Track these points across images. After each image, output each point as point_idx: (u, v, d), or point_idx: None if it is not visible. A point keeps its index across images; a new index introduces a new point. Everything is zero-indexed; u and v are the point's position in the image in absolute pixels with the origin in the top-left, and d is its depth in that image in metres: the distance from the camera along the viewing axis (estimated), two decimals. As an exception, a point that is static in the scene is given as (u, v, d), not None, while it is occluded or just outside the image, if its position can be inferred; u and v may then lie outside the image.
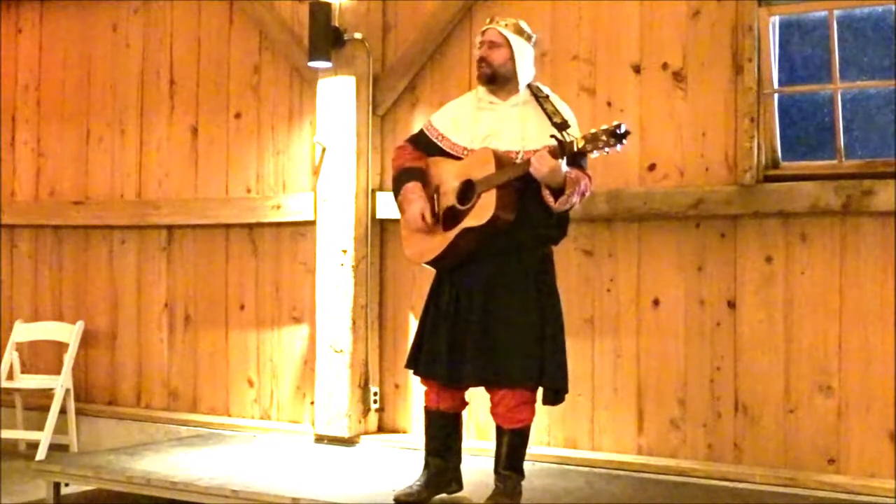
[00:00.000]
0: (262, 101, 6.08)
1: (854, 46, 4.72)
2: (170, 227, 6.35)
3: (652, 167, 5.02)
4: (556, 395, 4.08)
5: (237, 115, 6.16)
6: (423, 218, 4.07)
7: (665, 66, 5.00)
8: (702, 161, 4.91)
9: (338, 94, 5.62)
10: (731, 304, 4.84)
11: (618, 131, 3.76)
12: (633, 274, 5.05)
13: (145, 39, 6.48)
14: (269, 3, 5.97)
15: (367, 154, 5.59)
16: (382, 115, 5.68)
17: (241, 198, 6.10)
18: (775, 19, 4.81)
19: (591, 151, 3.83)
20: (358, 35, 5.56)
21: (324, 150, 5.64)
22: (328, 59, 5.53)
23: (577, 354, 5.15)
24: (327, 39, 5.51)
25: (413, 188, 4.13)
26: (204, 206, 6.19)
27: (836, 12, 4.70)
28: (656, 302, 5.00)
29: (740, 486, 4.59)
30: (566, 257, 5.18)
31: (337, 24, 5.55)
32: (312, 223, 5.73)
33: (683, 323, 4.94)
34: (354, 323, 5.54)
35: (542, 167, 3.84)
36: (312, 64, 5.59)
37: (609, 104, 5.12)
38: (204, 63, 6.29)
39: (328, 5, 5.53)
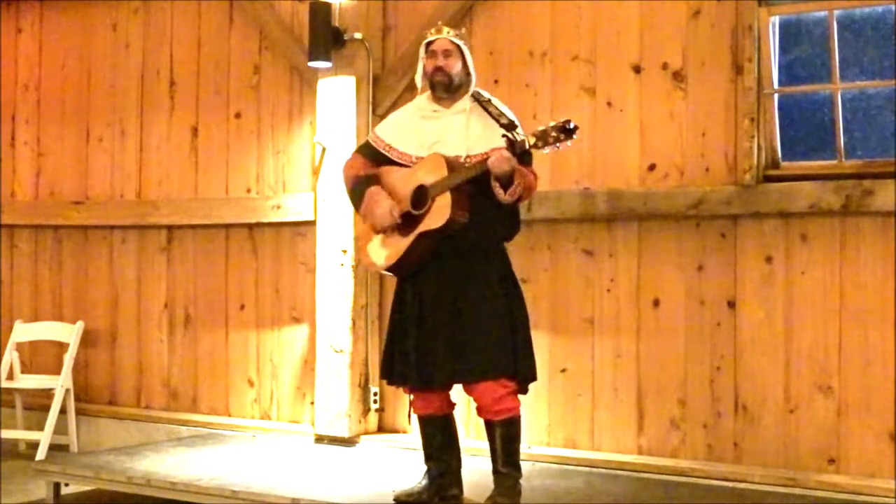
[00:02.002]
0: (262, 101, 6.08)
1: (854, 46, 4.72)
2: (170, 227, 6.36)
3: (652, 167, 5.02)
4: (526, 384, 4.15)
5: (237, 115, 6.16)
6: (392, 214, 4.11)
7: (665, 66, 5.00)
8: (702, 161, 4.91)
9: (338, 94, 5.62)
10: (731, 304, 4.84)
11: (567, 126, 3.84)
12: (633, 274, 5.05)
13: (145, 39, 6.48)
14: (269, 3, 5.97)
15: (367, 154, 5.59)
16: (382, 115, 5.67)
17: (241, 198, 6.10)
18: (775, 19, 4.81)
19: (542, 148, 3.89)
20: (358, 35, 5.56)
21: (324, 150, 5.65)
22: (328, 59, 5.54)
23: (577, 354, 5.15)
24: (327, 39, 5.51)
25: (376, 191, 4.18)
26: (204, 206, 6.19)
27: (836, 12, 4.70)
28: (656, 302, 5.00)
29: (740, 486, 4.59)
30: (566, 257, 5.19)
31: (337, 24, 5.55)
32: (312, 223, 5.74)
33: (683, 323, 4.94)
34: (354, 323, 5.54)
35: (503, 165, 3.90)
36: (312, 64, 5.59)
37: (609, 104, 5.12)
38: (204, 63, 6.29)
39: (328, 5, 5.53)
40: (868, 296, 4.57)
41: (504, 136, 3.94)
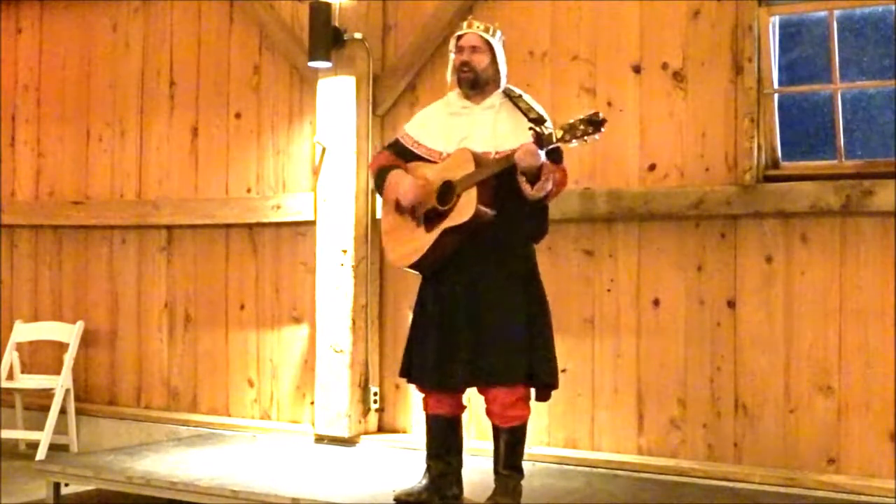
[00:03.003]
0: (262, 101, 6.08)
1: (854, 46, 4.72)
2: (170, 227, 6.36)
3: (652, 167, 5.02)
4: (545, 390, 4.12)
5: (237, 115, 6.16)
6: (419, 186, 4.07)
7: (665, 66, 5.00)
8: (702, 161, 4.91)
9: (338, 94, 5.62)
10: (731, 304, 4.84)
11: (595, 119, 3.81)
12: (633, 274, 5.05)
13: (145, 39, 6.48)
14: (269, 3, 5.97)
15: (367, 154, 5.59)
16: (382, 115, 5.68)
17: (241, 198, 6.11)
18: (775, 19, 4.81)
19: (570, 141, 3.86)
20: (358, 35, 5.56)
21: (324, 150, 5.65)
22: (328, 59, 5.54)
23: (577, 354, 5.15)
24: (327, 39, 5.51)
25: (398, 172, 4.18)
26: (204, 206, 6.19)
27: (836, 12, 4.70)
28: (656, 302, 5.00)
29: (740, 486, 4.59)
30: (566, 257, 5.19)
31: (337, 24, 5.55)
32: (312, 223, 5.74)
33: (683, 323, 4.94)
34: (354, 323, 5.54)
35: (529, 159, 3.87)
36: (312, 64, 5.59)
37: (609, 104, 5.12)
38: (204, 63, 6.29)
39: (328, 5, 5.53)
40: (868, 296, 4.57)
41: (531, 129, 3.90)
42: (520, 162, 3.88)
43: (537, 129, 3.89)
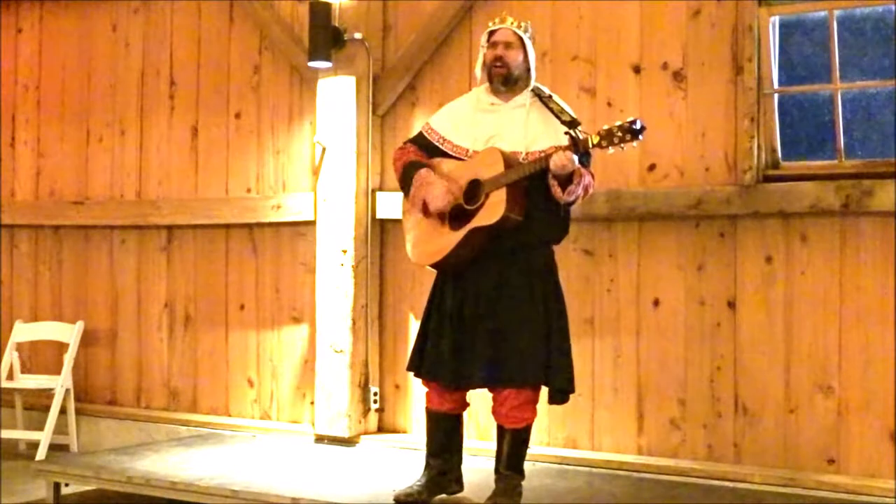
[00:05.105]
0: (262, 101, 6.08)
1: (854, 46, 4.72)
2: (170, 227, 6.36)
3: (652, 167, 5.02)
4: (561, 395, 4.10)
5: (237, 115, 6.16)
6: (450, 193, 4.03)
7: (665, 66, 5.00)
8: (702, 161, 4.91)
9: (338, 94, 5.62)
10: (731, 304, 4.84)
11: (633, 127, 3.80)
12: (633, 274, 5.05)
13: (145, 39, 6.48)
14: (269, 3, 5.97)
15: (367, 154, 5.60)
16: (382, 115, 5.68)
17: (241, 198, 6.10)
18: (775, 19, 4.81)
19: (607, 147, 3.85)
20: (358, 35, 5.56)
21: (324, 150, 5.65)
22: (328, 59, 5.54)
23: (577, 354, 5.10)
24: (327, 39, 5.51)
25: (427, 173, 4.12)
26: (204, 206, 6.19)
27: (836, 12, 4.70)
28: (656, 302, 5.00)
29: (740, 486, 4.59)
30: (566, 257, 5.17)
31: (337, 24, 5.55)
32: (312, 223, 5.74)
33: (683, 323, 4.94)
34: (354, 323, 5.54)
35: (565, 165, 3.85)
36: (312, 64, 5.59)
37: (609, 104, 5.12)
38: (204, 63, 6.29)
39: (328, 5, 5.53)
40: (868, 296, 4.57)
41: (567, 133, 3.89)
42: (555, 167, 3.86)
43: (573, 133, 3.88)
